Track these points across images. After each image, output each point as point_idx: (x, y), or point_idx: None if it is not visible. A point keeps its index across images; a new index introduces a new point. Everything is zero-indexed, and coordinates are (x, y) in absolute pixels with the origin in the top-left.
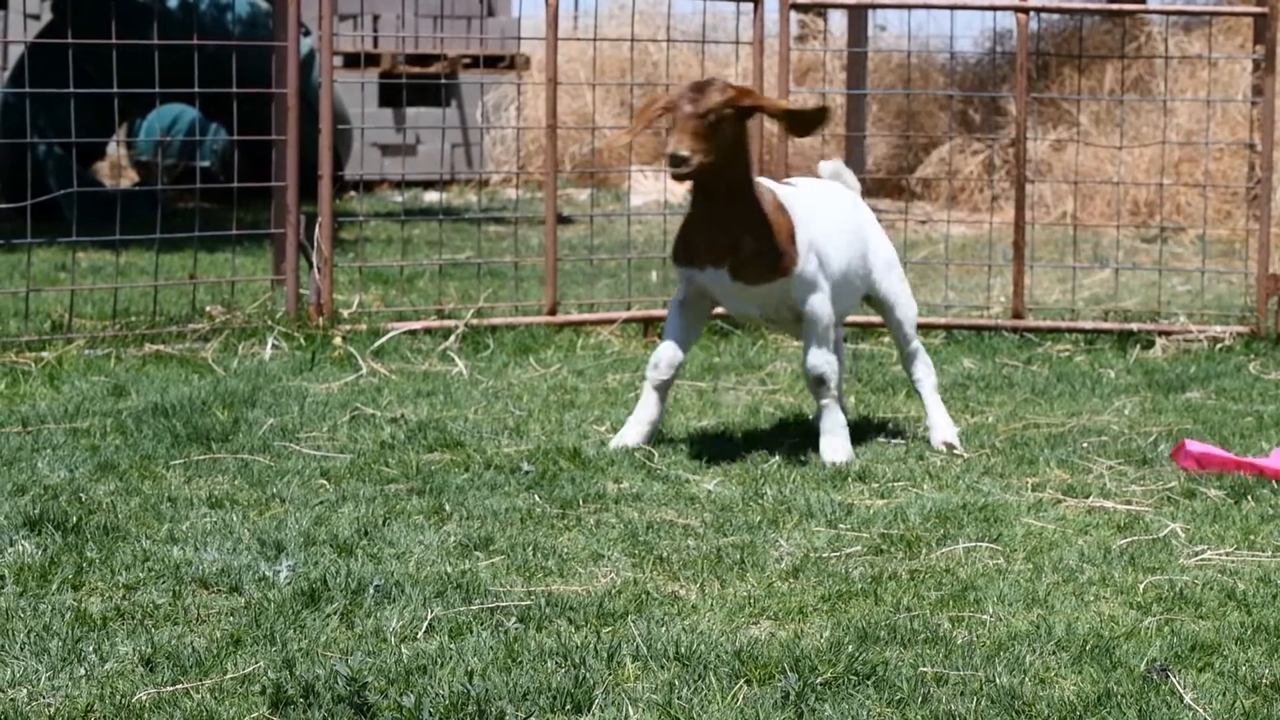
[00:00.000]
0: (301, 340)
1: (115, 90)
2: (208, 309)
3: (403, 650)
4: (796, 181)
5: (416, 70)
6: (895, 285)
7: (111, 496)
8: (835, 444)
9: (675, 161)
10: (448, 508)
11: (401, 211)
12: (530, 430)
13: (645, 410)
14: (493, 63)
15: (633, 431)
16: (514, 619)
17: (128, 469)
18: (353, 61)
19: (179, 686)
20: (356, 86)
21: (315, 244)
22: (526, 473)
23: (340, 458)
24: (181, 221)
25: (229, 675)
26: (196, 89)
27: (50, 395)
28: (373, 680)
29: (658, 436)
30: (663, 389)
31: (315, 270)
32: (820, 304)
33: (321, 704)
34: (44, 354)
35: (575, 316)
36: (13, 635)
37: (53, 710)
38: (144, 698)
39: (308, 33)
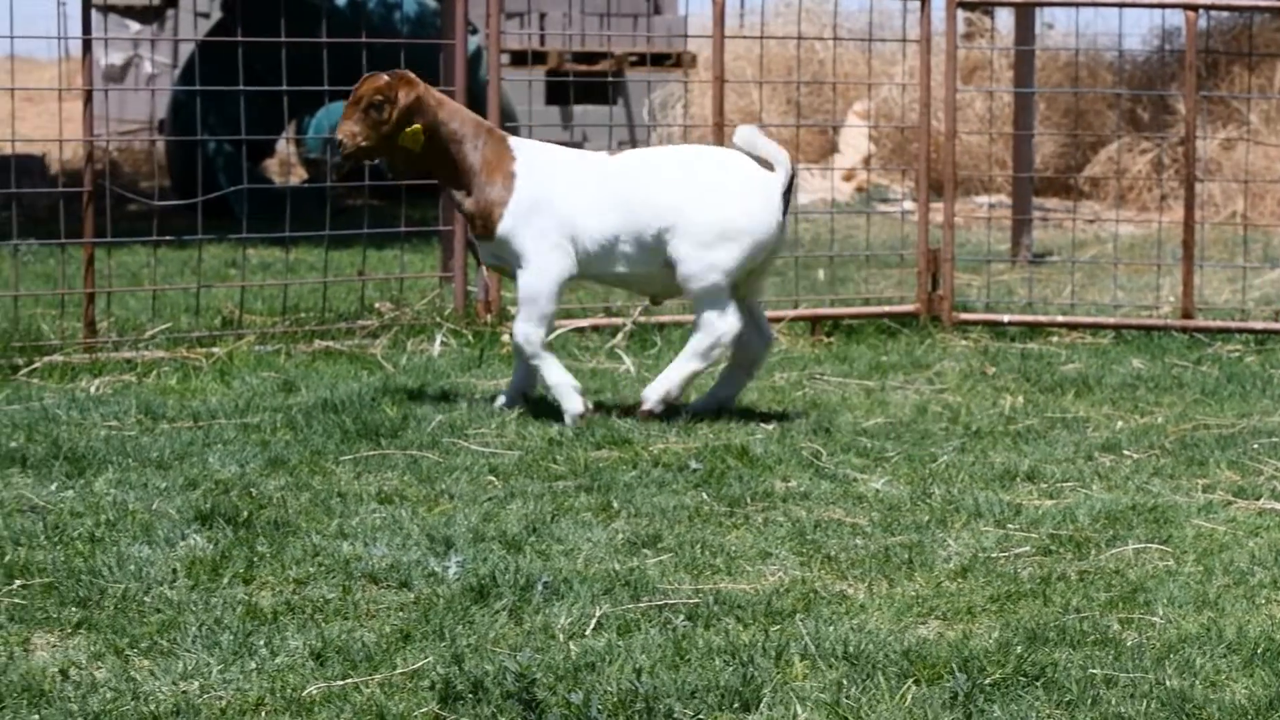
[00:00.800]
0: (470, 337)
1: (285, 88)
2: (376, 305)
3: (571, 647)
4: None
5: (583, 68)
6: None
7: (282, 491)
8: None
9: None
10: (616, 505)
11: None
12: (698, 428)
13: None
14: (659, 60)
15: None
16: (682, 616)
17: (298, 464)
18: (520, 59)
19: (349, 681)
20: (523, 84)
21: None
22: (694, 470)
23: (509, 454)
24: (350, 218)
25: (398, 670)
26: None
27: (221, 391)
28: (541, 677)
29: (824, 434)
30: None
31: (482, 267)
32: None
33: (490, 700)
34: (215, 350)
35: None
36: (184, 629)
37: (224, 703)
38: (314, 692)
39: (475, 31)
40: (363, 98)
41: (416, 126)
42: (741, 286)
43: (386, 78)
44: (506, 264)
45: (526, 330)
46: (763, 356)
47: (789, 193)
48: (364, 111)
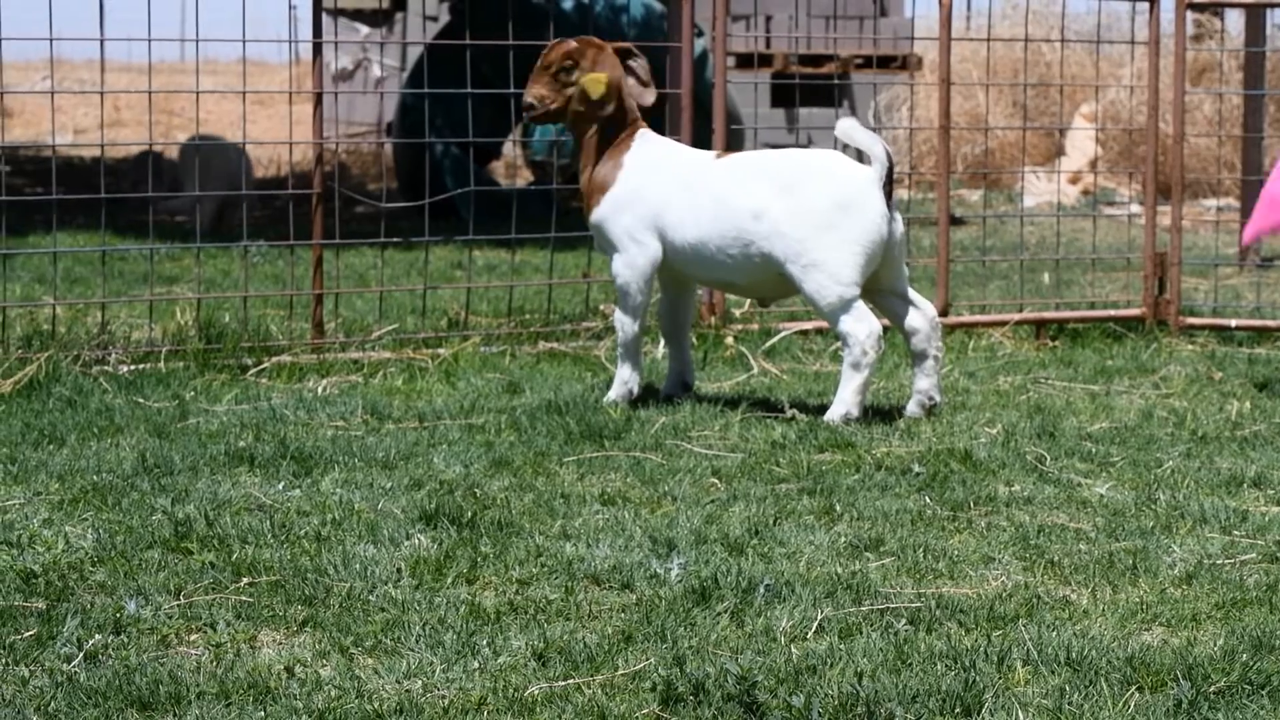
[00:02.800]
0: (694, 339)
1: (512, 90)
2: (601, 307)
3: (792, 650)
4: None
5: (809, 70)
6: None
7: (506, 492)
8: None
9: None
10: (838, 508)
11: None
12: (921, 432)
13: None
14: (885, 63)
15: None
16: (904, 620)
17: (522, 465)
18: (745, 62)
19: (570, 681)
20: (749, 87)
21: None
22: (917, 474)
23: (731, 456)
24: (576, 220)
25: (620, 671)
26: None
27: (446, 391)
28: (762, 679)
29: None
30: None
31: None
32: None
33: (711, 702)
34: (440, 350)
35: (967, 318)
36: (408, 628)
37: (446, 702)
38: (536, 692)
39: (701, 33)
40: (552, 63)
41: (601, 75)
42: (876, 281)
43: (575, 43)
44: (604, 251)
45: (620, 319)
46: (935, 335)
47: (890, 184)
48: (553, 76)
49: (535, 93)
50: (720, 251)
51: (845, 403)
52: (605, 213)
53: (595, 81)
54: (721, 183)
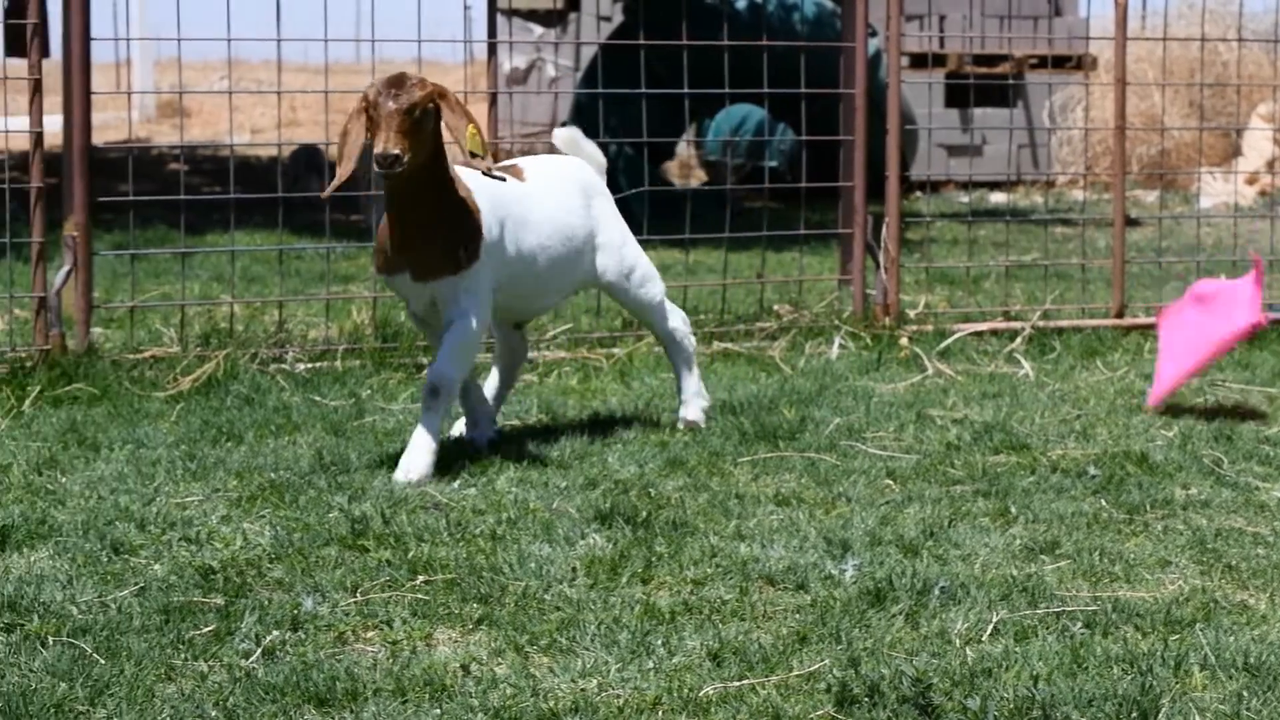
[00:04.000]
0: (868, 340)
1: (685, 91)
2: (775, 308)
3: (967, 652)
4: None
5: (983, 70)
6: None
7: (680, 492)
8: (413, 460)
9: (386, 161)
10: (1013, 510)
11: (968, 212)
12: (1097, 434)
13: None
14: (1060, 63)
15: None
16: (1080, 624)
17: (696, 465)
18: (919, 62)
19: (745, 682)
20: (922, 87)
21: (882, 244)
22: (1093, 477)
23: (906, 458)
24: (749, 221)
25: (794, 672)
26: (765, 89)
27: (620, 391)
28: (938, 682)
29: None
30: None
31: (882, 270)
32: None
33: (886, 704)
34: (615, 350)
35: (1143, 320)
36: (583, 627)
37: (621, 702)
38: (710, 692)
39: (874, 33)
40: (416, 106)
41: (472, 126)
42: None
43: (433, 83)
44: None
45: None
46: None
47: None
48: (416, 123)
49: (399, 144)
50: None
51: (702, 395)
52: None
53: (473, 136)
54: (547, 206)
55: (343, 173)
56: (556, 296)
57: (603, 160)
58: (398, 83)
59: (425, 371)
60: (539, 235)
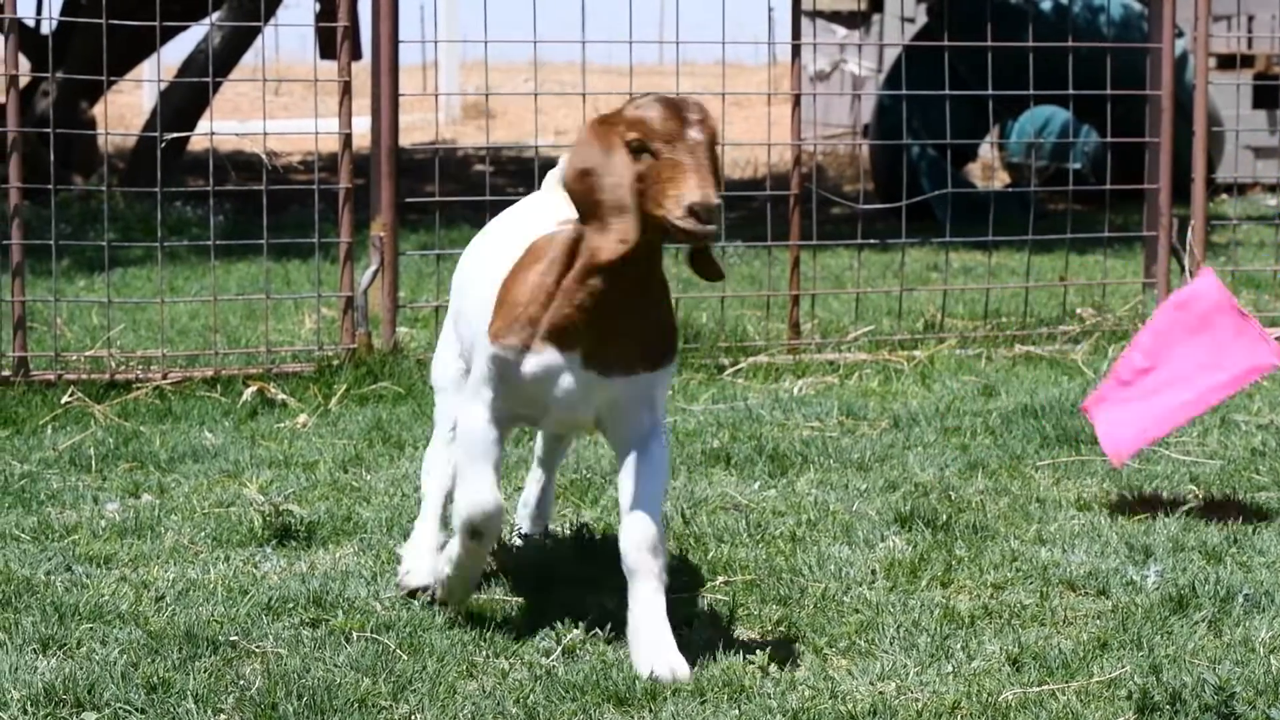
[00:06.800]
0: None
1: (989, 92)
2: (1078, 311)
3: (1271, 661)
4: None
5: None
6: None
7: (980, 495)
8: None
9: (708, 214)
10: None
11: (1275, 215)
12: None
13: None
14: None
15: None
16: None
17: (997, 468)
18: (1227, 63)
19: (1045, 688)
20: (1230, 88)
21: (1187, 247)
22: None
23: (1210, 464)
24: (1052, 223)
25: (1094, 678)
26: (1070, 91)
27: (921, 394)
28: (1241, 690)
29: None
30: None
31: (1187, 274)
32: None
33: (1188, 712)
34: (916, 353)
35: None
36: (883, 630)
37: (920, 705)
38: (1010, 697)
39: (1181, 34)
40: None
41: None
42: None
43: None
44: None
45: None
46: None
47: None
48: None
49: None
50: None
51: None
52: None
53: None
54: None
55: (629, 234)
56: None
57: None
58: (686, 106)
59: (632, 533)
60: None
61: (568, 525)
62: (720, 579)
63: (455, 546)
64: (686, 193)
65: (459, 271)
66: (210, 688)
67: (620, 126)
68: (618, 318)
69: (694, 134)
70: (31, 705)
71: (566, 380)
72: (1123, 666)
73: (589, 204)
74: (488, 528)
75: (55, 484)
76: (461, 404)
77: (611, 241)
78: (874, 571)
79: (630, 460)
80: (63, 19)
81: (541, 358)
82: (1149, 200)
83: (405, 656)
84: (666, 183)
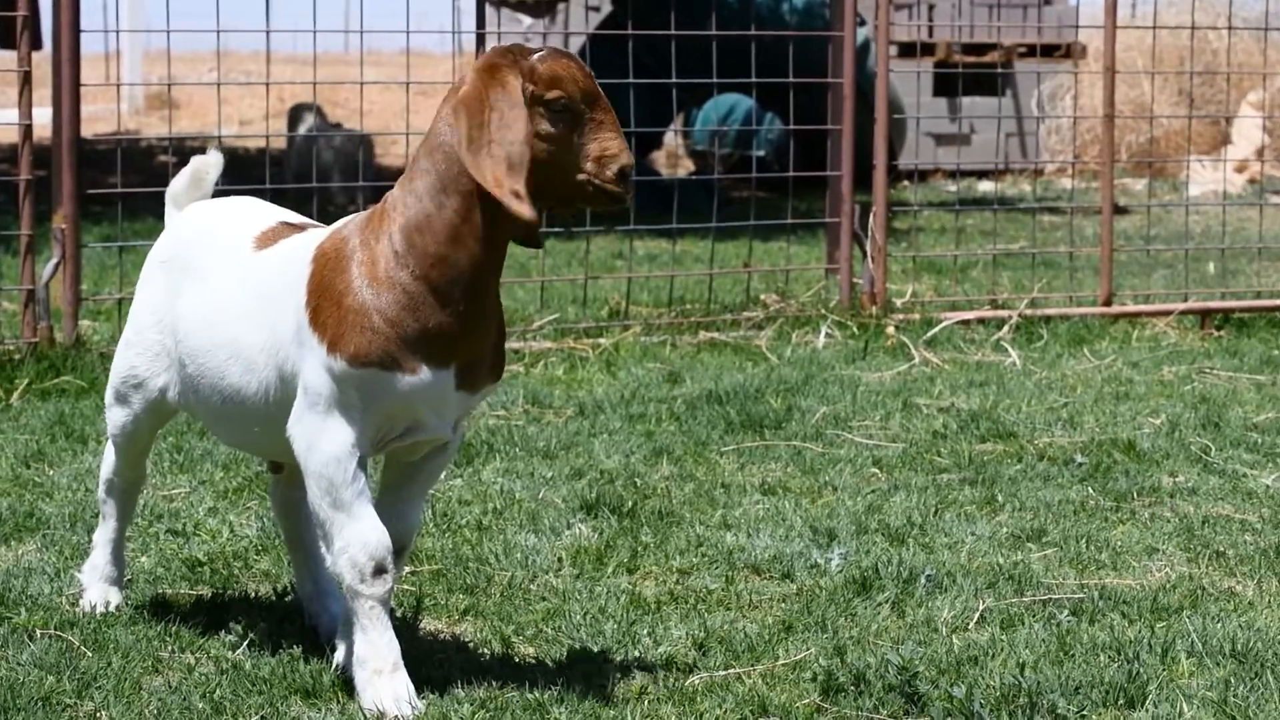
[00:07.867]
0: (854, 329)
1: (673, 80)
2: (762, 297)
3: (954, 640)
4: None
5: (972, 59)
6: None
7: (666, 482)
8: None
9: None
10: (1000, 498)
11: (955, 201)
12: (1084, 422)
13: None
14: (1049, 51)
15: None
16: (1066, 611)
17: (682, 455)
18: (908, 51)
19: (731, 671)
20: (911, 76)
21: (869, 233)
22: (1080, 465)
23: (892, 447)
24: (736, 210)
25: (780, 661)
26: (753, 79)
27: (607, 381)
28: (924, 670)
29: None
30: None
31: (869, 259)
32: None
33: (872, 692)
34: (601, 340)
35: (1131, 308)
36: (570, 617)
37: (606, 691)
38: (696, 682)
39: (863, 22)
40: None
41: None
42: None
43: None
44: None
45: None
46: None
47: None
48: None
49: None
50: None
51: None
52: None
53: None
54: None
55: (523, 208)
56: None
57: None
58: (580, 60)
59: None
60: None
61: (251, 516)
62: (407, 569)
63: (361, 604)
64: (620, 155)
65: (168, 305)
66: None
67: (527, 82)
68: (481, 323)
69: (602, 92)
70: None
71: (425, 395)
72: (808, 649)
73: (479, 167)
74: (389, 561)
75: None
76: (306, 441)
77: (524, 209)
78: (560, 559)
79: (431, 466)
80: None
81: (401, 376)
82: (831, 187)
83: (90, 653)
84: (592, 144)
